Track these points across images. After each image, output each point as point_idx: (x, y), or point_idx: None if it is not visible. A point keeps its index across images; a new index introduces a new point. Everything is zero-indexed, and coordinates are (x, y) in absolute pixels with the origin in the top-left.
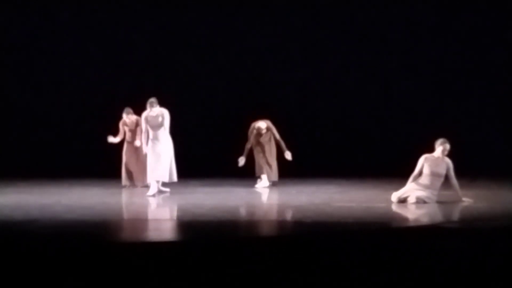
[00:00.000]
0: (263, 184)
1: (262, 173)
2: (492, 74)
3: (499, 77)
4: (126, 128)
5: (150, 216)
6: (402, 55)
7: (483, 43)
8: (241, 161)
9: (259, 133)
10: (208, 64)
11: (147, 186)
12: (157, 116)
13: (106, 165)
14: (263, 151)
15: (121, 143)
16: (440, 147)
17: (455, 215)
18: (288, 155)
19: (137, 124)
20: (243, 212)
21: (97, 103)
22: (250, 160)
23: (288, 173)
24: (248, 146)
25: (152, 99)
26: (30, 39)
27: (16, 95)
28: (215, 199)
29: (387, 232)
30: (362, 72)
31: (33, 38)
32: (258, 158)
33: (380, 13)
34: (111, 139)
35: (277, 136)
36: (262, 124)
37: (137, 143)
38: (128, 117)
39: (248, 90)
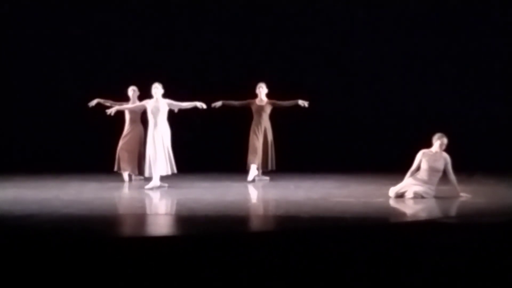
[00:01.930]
0: (253, 173)
1: (253, 163)
2: (490, 69)
3: (497, 72)
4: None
5: (148, 210)
6: (400, 50)
7: (482, 37)
8: (218, 103)
9: (255, 104)
10: (207, 57)
11: (144, 177)
12: (159, 104)
13: (104, 160)
14: (260, 139)
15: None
16: (438, 142)
17: (453, 211)
18: (303, 103)
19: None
20: (241, 207)
21: (95, 98)
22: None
23: (286, 167)
24: (234, 102)
25: (156, 84)
26: (27, 32)
27: (13, 90)
28: (214, 194)
29: (385, 227)
30: (359, 67)
31: (30, 31)
32: (253, 147)
33: (376, 10)
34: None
35: (281, 103)
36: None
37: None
38: (133, 96)
39: (247, 84)
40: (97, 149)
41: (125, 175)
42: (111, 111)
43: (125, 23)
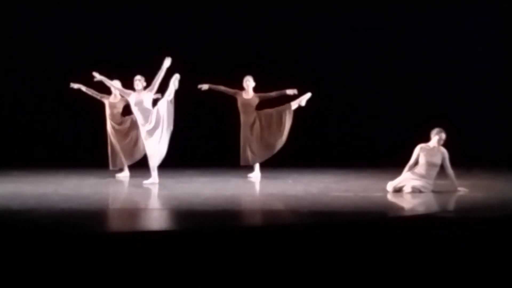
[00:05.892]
0: (256, 173)
1: (254, 162)
2: (488, 64)
3: (495, 66)
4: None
5: (147, 205)
6: (397, 44)
7: (481, 30)
8: (204, 86)
9: (241, 97)
10: (206, 52)
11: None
12: (142, 96)
13: (103, 155)
14: (253, 135)
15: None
16: (436, 137)
17: (451, 205)
18: (292, 91)
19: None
20: (240, 201)
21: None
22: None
23: (284, 162)
24: (221, 87)
25: (139, 76)
26: (23, 29)
27: (12, 84)
28: (212, 188)
29: (383, 222)
30: (356, 62)
31: (27, 28)
32: (247, 145)
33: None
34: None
35: (269, 94)
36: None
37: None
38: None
39: (234, 77)
40: (96, 144)
41: (126, 170)
42: (98, 76)
43: (112, 17)
